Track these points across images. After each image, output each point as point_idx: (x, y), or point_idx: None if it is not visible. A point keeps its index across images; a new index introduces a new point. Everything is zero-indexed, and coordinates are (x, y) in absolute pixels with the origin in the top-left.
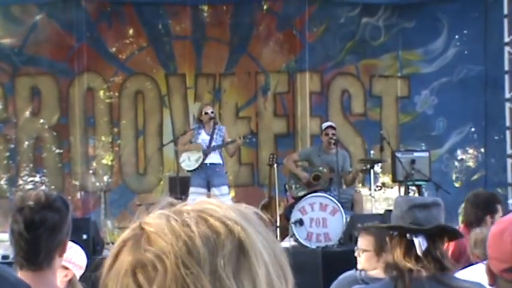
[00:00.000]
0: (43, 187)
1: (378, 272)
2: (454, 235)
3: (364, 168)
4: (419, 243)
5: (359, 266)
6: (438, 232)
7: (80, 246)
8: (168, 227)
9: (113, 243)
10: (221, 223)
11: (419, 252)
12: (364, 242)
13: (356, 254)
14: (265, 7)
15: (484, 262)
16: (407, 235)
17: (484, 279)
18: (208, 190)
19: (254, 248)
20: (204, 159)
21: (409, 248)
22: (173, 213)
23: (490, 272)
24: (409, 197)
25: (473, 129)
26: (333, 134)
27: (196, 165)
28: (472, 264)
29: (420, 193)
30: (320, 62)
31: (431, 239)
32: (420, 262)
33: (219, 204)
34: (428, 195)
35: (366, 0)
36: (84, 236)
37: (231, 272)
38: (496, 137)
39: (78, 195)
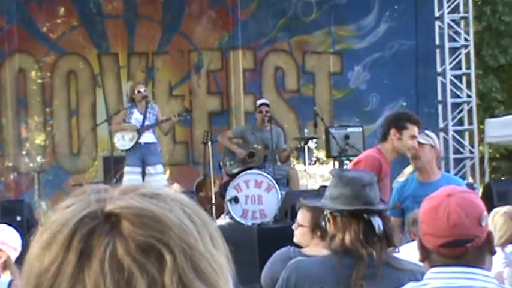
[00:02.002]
0: None
1: (311, 250)
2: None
3: (298, 146)
4: (378, 224)
5: (294, 239)
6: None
7: (14, 227)
8: (156, 210)
9: None
10: (192, 210)
11: (378, 232)
12: (301, 217)
13: (293, 227)
14: None
15: None
16: (365, 216)
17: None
18: (143, 169)
19: (217, 236)
20: (138, 139)
21: (367, 228)
22: (149, 198)
23: (423, 248)
24: (353, 175)
25: (405, 103)
26: (267, 112)
27: (131, 144)
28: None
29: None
30: (253, 39)
31: (383, 216)
32: (376, 241)
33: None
34: None
35: None
36: (18, 218)
37: (214, 250)
38: (427, 111)
39: (11, 176)
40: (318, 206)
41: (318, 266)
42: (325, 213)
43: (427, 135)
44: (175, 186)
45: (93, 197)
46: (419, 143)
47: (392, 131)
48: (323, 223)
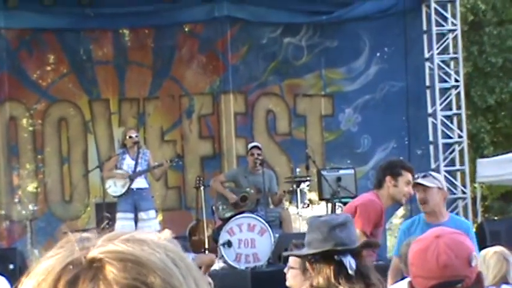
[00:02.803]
0: None
1: None
2: (375, 246)
3: (290, 189)
4: (350, 263)
5: (287, 283)
6: (362, 248)
7: (6, 276)
8: (139, 254)
9: None
10: (176, 255)
11: (351, 272)
12: (291, 259)
13: (285, 270)
14: (186, 30)
15: None
16: (335, 256)
17: None
18: (136, 215)
19: (201, 282)
20: (130, 185)
21: (339, 269)
22: (131, 243)
23: None
24: (325, 218)
25: (396, 145)
26: (259, 155)
27: (123, 190)
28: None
29: (334, 210)
30: (244, 82)
31: (357, 256)
32: (350, 282)
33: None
34: None
35: (288, 20)
36: (11, 266)
37: None
38: (419, 152)
39: (4, 224)
40: (295, 255)
41: None
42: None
43: (433, 177)
44: (166, 231)
45: (76, 245)
46: (426, 186)
47: (388, 178)
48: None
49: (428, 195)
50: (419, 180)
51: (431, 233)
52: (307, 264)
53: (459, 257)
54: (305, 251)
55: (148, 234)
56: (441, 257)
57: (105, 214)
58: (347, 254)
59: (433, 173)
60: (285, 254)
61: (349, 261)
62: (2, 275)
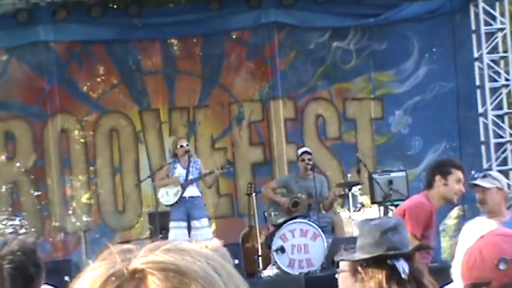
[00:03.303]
0: (23, 230)
1: None
2: (428, 249)
3: (341, 193)
4: (402, 268)
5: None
6: (415, 251)
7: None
8: (181, 264)
9: None
10: (218, 264)
11: (404, 277)
12: (341, 263)
13: (337, 276)
14: (234, 37)
15: None
16: (388, 261)
17: None
18: (189, 223)
19: (237, 279)
20: (182, 193)
21: (391, 273)
22: (173, 253)
23: None
24: (376, 222)
25: (448, 146)
26: (309, 160)
27: (175, 199)
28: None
29: (386, 213)
30: (293, 88)
31: (410, 259)
32: (403, 286)
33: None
34: None
35: (335, 25)
36: (66, 278)
37: None
38: (471, 152)
39: (58, 236)
40: (347, 260)
41: None
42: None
43: (492, 177)
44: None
45: (118, 257)
46: (484, 188)
47: (438, 178)
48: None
49: (487, 196)
50: (478, 182)
51: (484, 234)
52: (360, 269)
53: (486, 259)
54: (357, 255)
55: (189, 243)
56: (470, 259)
57: (157, 224)
58: (399, 258)
59: (492, 173)
60: (336, 258)
61: (402, 266)
62: (51, 285)
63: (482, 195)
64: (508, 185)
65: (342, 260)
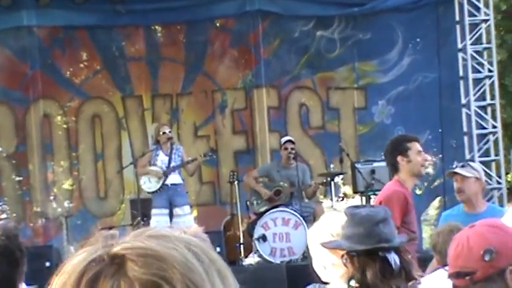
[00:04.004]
0: (4, 215)
1: (335, 285)
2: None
3: (323, 181)
4: (394, 260)
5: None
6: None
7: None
8: (160, 250)
9: None
10: (200, 249)
11: (394, 268)
12: (322, 252)
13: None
14: (218, 24)
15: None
16: (380, 253)
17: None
18: (171, 211)
19: (227, 274)
20: (164, 180)
21: (382, 265)
22: (154, 238)
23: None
24: (367, 213)
25: (430, 136)
26: (292, 149)
27: (158, 186)
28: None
29: (368, 203)
30: (276, 76)
31: (399, 252)
32: (394, 278)
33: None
34: None
35: (320, 13)
36: (47, 263)
37: (221, 286)
38: (453, 143)
39: (40, 222)
40: (339, 248)
41: None
42: (342, 253)
43: (472, 167)
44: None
45: (101, 243)
46: (464, 176)
47: (399, 158)
48: (343, 263)
49: (465, 185)
50: (457, 170)
51: (473, 223)
52: (347, 259)
53: (473, 249)
54: (344, 244)
55: (172, 229)
56: (457, 247)
57: (139, 211)
58: (391, 250)
59: (471, 163)
60: (324, 245)
61: (394, 258)
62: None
63: (460, 183)
64: (489, 175)
65: (332, 248)
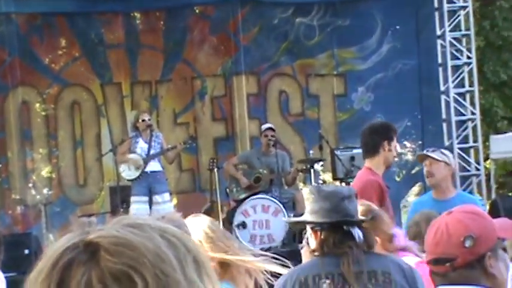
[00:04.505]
0: None
1: None
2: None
3: (303, 168)
4: (358, 234)
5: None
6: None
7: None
8: (132, 239)
9: None
10: (176, 238)
11: (358, 241)
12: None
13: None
14: (197, 11)
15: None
16: (345, 227)
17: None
18: (150, 198)
19: (205, 262)
20: (144, 168)
21: (347, 236)
22: (129, 227)
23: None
24: (333, 189)
25: (410, 123)
26: (272, 136)
27: (137, 174)
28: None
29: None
30: (256, 63)
31: (362, 227)
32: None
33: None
34: None
35: (299, 0)
36: (26, 251)
37: (197, 278)
38: (432, 130)
39: (18, 209)
40: (299, 221)
41: (306, 266)
42: (307, 228)
43: (442, 152)
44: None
45: (78, 230)
46: (435, 159)
47: (385, 143)
48: (306, 238)
49: (434, 169)
50: (429, 153)
51: (451, 209)
52: (310, 231)
53: (453, 236)
54: (309, 219)
55: (149, 218)
56: (436, 234)
57: (118, 198)
58: (355, 225)
59: (443, 150)
60: (290, 221)
61: (357, 232)
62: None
63: (430, 167)
64: (468, 162)
65: (297, 221)
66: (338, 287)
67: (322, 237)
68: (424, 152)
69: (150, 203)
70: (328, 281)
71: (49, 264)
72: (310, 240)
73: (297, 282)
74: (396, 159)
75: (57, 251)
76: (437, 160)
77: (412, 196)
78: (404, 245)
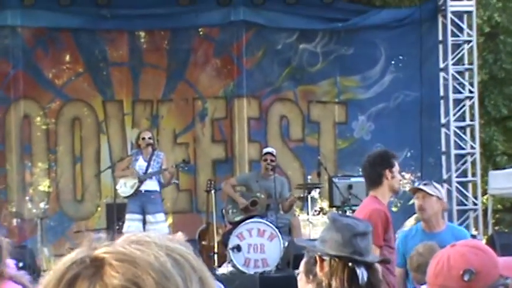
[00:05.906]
0: None
1: None
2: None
3: (301, 195)
4: (362, 274)
5: None
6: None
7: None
8: (138, 256)
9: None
10: (182, 257)
11: (361, 282)
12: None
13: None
14: (202, 33)
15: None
16: (350, 264)
17: None
18: (144, 217)
19: (210, 283)
20: (139, 186)
21: (352, 277)
22: (136, 244)
23: None
24: (348, 222)
25: (409, 154)
26: (272, 161)
27: (131, 191)
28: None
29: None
30: (258, 87)
31: (370, 268)
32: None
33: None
34: None
35: (303, 27)
36: (20, 264)
37: None
38: (431, 162)
39: (15, 222)
40: (307, 246)
41: None
42: (315, 254)
43: (434, 186)
44: (179, 234)
45: (86, 245)
46: (427, 193)
47: (387, 172)
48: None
49: (426, 203)
50: (421, 186)
51: (455, 243)
52: (318, 260)
53: (452, 268)
54: (318, 247)
55: (156, 236)
56: (438, 265)
57: (115, 215)
58: (361, 264)
59: (434, 183)
60: (299, 243)
61: (362, 272)
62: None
63: (422, 201)
64: (466, 196)
65: (308, 250)
66: None
67: (326, 268)
68: (416, 185)
69: (144, 222)
70: None
71: (56, 277)
72: (316, 267)
73: None
74: (401, 181)
75: (65, 264)
76: (430, 194)
77: (406, 228)
78: None
